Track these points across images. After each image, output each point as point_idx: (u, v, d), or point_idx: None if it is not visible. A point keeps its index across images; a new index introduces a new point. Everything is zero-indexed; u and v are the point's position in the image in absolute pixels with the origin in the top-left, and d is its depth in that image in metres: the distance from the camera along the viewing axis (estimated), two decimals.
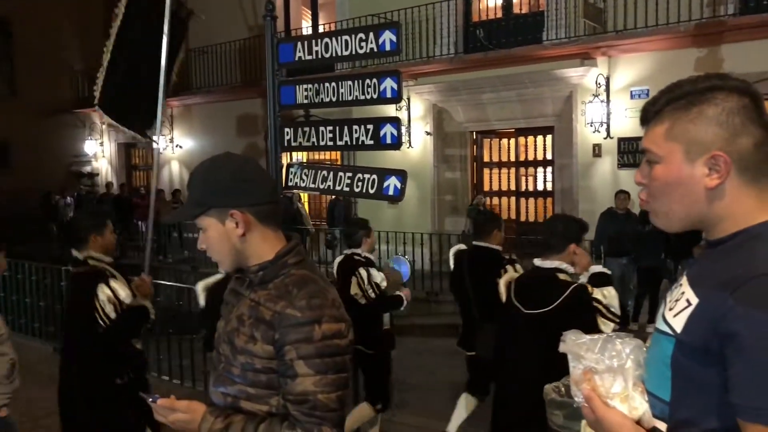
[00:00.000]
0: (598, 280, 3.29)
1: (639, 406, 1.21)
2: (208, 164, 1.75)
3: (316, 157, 13.94)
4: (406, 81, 12.32)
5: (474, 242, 5.08)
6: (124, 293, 3.58)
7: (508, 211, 13.00)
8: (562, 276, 3.24)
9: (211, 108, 16.62)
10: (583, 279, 3.32)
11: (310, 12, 15.63)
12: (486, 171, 13.34)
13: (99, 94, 5.17)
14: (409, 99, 12.67)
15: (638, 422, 1.21)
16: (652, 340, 1.27)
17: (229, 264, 1.76)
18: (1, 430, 3.56)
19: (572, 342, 1.26)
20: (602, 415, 1.20)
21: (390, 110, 11.19)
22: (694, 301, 1.16)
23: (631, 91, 10.45)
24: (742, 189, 1.18)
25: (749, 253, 1.13)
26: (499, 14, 12.16)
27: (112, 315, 3.47)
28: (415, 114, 12.96)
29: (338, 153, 13.34)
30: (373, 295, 4.82)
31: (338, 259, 5.30)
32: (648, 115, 1.27)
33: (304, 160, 12.57)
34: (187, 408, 1.68)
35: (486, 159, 13.34)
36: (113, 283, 3.55)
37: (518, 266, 4.37)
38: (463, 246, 5.34)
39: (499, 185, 13.12)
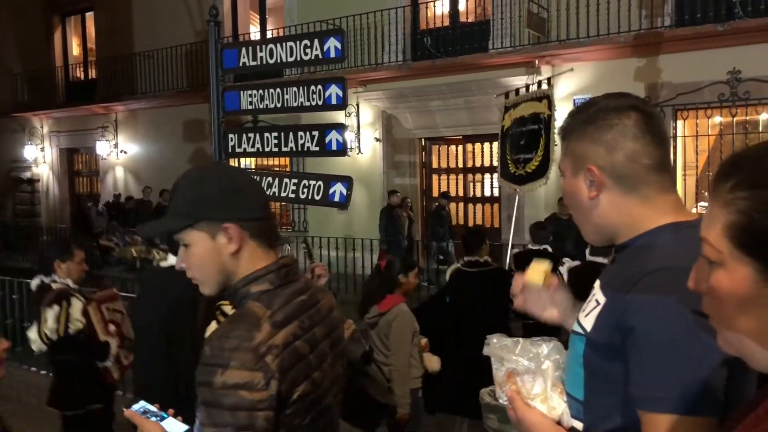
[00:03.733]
0: None
1: (557, 406, 1.25)
2: (197, 174, 1.58)
3: (265, 163, 13.85)
4: (355, 87, 12.36)
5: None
6: None
7: (456, 217, 13.14)
8: None
9: (157, 113, 16.33)
10: None
11: (258, 17, 15.53)
12: (435, 177, 13.46)
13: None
14: (358, 105, 12.71)
15: (559, 423, 1.26)
16: (569, 342, 1.33)
17: (214, 285, 1.56)
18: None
19: (495, 345, 1.30)
20: (522, 414, 1.25)
21: (339, 117, 11.19)
22: (602, 300, 1.23)
23: (575, 100, 10.69)
24: (624, 198, 1.28)
25: (645, 254, 1.21)
26: (446, 22, 12.31)
27: None
28: (365, 120, 13.00)
29: (287, 159, 13.27)
30: None
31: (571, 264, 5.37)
32: (562, 136, 1.39)
33: (253, 167, 12.48)
34: (140, 424, 1.56)
35: (435, 165, 13.47)
36: None
37: None
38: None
39: (448, 191, 13.24)
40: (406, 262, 4.39)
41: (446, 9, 12.35)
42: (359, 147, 12.93)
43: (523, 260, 5.82)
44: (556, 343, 1.30)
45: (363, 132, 12.99)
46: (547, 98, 7.18)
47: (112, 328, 3.75)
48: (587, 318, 1.25)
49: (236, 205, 1.51)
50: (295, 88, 4.46)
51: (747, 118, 9.90)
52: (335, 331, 1.67)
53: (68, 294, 3.61)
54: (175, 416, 1.59)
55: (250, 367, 1.38)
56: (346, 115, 12.40)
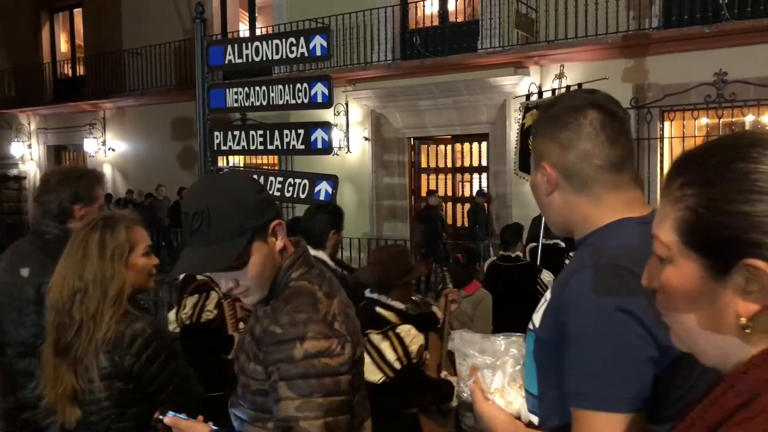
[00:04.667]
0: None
1: (514, 400, 1.28)
2: (223, 189, 1.53)
3: (255, 161, 13.83)
4: (345, 86, 12.35)
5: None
6: None
7: (444, 217, 13.17)
8: None
9: (146, 110, 16.25)
10: None
11: (248, 15, 15.49)
12: (424, 176, 13.47)
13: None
14: (347, 104, 12.70)
15: (519, 417, 1.27)
16: (526, 338, 1.34)
17: (266, 288, 1.57)
18: None
19: (459, 340, 1.32)
20: (480, 407, 1.27)
21: (327, 115, 11.18)
22: (548, 297, 1.25)
23: None
24: (575, 197, 1.28)
25: (588, 251, 1.22)
26: (436, 22, 12.33)
27: None
28: (354, 119, 12.99)
29: (276, 157, 13.24)
30: None
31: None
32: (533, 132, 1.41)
33: (241, 165, 12.46)
34: (187, 428, 1.57)
35: (424, 165, 13.48)
36: None
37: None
38: None
39: (436, 191, 13.26)
40: (478, 253, 5.39)
41: (435, 8, 12.37)
42: (348, 146, 12.92)
43: (533, 255, 6.13)
44: (517, 339, 1.32)
45: (352, 131, 12.98)
46: None
47: (242, 325, 4.02)
48: (537, 314, 1.27)
49: (270, 204, 1.57)
50: (280, 86, 4.46)
51: (733, 119, 9.96)
52: None
53: (209, 287, 3.95)
54: (205, 422, 1.61)
55: (326, 335, 1.46)
56: (335, 114, 12.39)
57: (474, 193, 12.17)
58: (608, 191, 1.26)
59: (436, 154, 13.35)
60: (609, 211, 1.25)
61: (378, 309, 3.14)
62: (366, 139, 12.95)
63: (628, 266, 1.09)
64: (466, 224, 12.72)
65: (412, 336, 3.02)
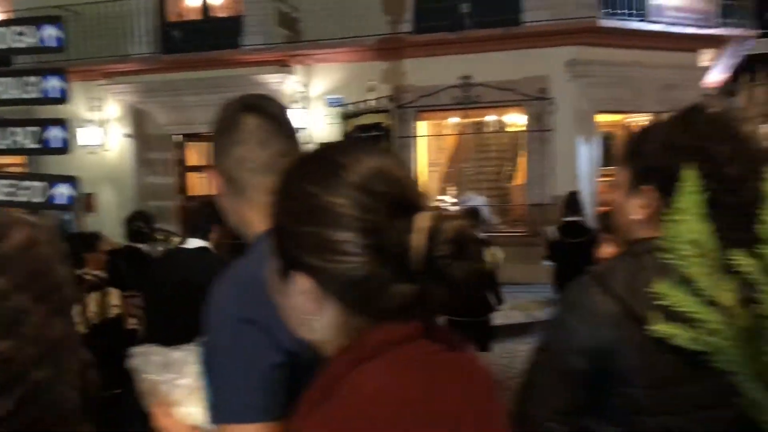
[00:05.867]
0: None
1: (194, 411, 1.26)
2: None
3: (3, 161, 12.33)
4: (99, 80, 11.54)
5: None
6: None
7: None
8: None
9: None
10: None
11: None
12: (192, 175, 13.00)
13: None
14: (103, 99, 11.89)
15: (200, 428, 1.26)
16: None
17: None
18: None
19: (137, 356, 1.30)
20: (159, 422, 1.25)
21: (79, 110, 10.37)
22: None
23: (327, 99, 11.03)
24: (236, 201, 1.29)
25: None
26: (197, 16, 11.99)
27: None
28: (112, 115, 12.18)
29: (26, 159, 11.94)
30: None
31: None
32: None
33: None
34: None
35: (192, 163, 13.01)
36: None
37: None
38: None
39: (207, 189, 12.91)
40: None
41: (198, 1, 12.02)
42: (106, 143, 12.08)
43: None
44: (196, 350, 1.31)
45: (111, 128, 12.16)
46: (387, 111, 8.94)
47: (133, 320, 4.08)
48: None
49: None
50: (8, 80, 4.06)
51: (479, 119, 11.00)
52: None
53: (102, 284, 3.96)
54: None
55: None
56: (90, 110, 11.56)
57: None
58: (262, 194, 1.23)
59: (206, 152, 12.96)
60: (263, 217, 1.19)
61: None
62: (127, 136, 12.21)
63: (257, 274, 1.03)
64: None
65: None
